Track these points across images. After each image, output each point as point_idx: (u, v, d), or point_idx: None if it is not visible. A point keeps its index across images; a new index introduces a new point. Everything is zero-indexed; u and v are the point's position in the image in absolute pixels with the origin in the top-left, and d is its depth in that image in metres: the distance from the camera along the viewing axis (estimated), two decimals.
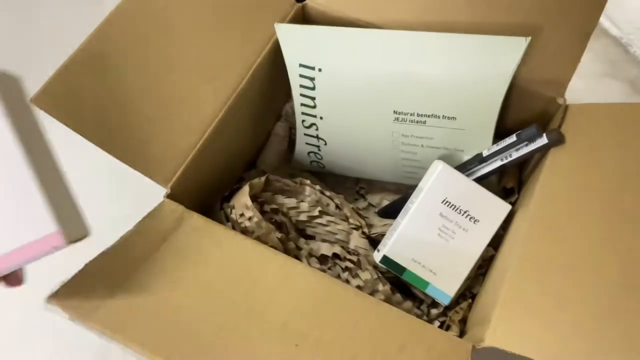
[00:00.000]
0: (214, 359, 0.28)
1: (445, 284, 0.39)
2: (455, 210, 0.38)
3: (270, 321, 0.30)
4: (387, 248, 0.39)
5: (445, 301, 0.39)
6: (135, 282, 0.31)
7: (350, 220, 0.42)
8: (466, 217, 0.38)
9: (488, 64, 0.38)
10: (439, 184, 0.38)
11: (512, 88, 0.38)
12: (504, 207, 0.38)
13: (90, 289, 0.30)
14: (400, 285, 0.42)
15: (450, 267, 0.38)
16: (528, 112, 0.41)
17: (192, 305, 0.30)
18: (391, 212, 0.46)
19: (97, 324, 0.29)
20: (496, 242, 0.42)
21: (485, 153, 0.40)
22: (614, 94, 0.62)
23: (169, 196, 0.36)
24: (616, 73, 0.63)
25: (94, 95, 0.35)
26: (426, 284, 0.39)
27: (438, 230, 0.39)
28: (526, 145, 0.38)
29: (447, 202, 0.38)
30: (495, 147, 0.40)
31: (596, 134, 0.36)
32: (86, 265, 0.31)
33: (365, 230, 0.42)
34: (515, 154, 0.39)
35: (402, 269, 0.39)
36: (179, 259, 0.32)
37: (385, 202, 0.48)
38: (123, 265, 0.31)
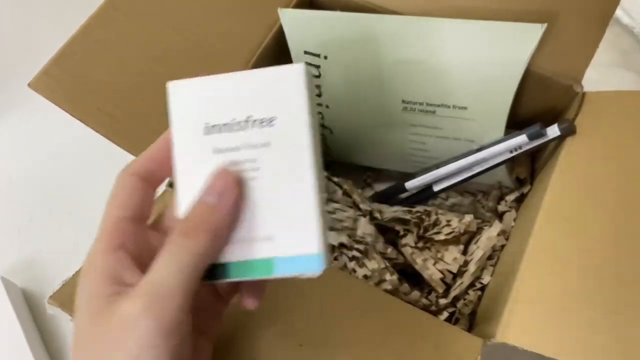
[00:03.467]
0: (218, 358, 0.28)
1: (296, 243, 0.22)
2: (229, 131, 0.22)
3: (274, 319, 0.29)
4: None
5: (318, 267, 0.21)
6: None
7: (361, 206, 0.41)
8: (252, 127, 0.22)
9: (502, 51, 0.36)
10: (183, 110, 0.23)
11: (527, 76, 0.37)
12: (298, 70, 0.23)
13: None
14: (408, 275, 0.41)
15: (287, 212, 0.22)
16: (543, 101, 0.40)
17: None
18: (383, 198, 0.46)
19: None
20: (507, 232, 0.41)
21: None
22: (625, 85, 0.60)
23: (171, 185, 0.35)
24: (627, 63, 0.61)
25: (93, 80, 0.34)
26: (269, 264, 0.22)
27: None
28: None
29: (210, 127, 0.22)
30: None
31: (614, 122, 0.35)
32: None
33: (377, 215, 0.41)
34: (526, 146, 0.38)
35: (222, 271, 0.22)
36: None
37: None
38: None
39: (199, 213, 0.21)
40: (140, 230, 0.22)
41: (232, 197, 0.21)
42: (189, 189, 0.22)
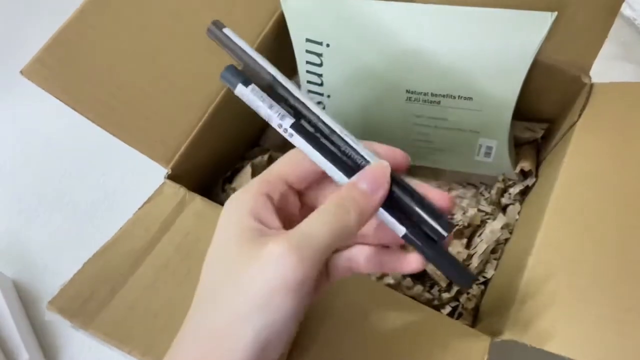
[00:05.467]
0: None
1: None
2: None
3: None
4: None
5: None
6: (137, 280, 0.29)
7: None
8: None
9: (510, 40, 0.35)
10: None
11: (534, 66, 0.36)
12: None
13: (91, 291, 0.28)
14: None
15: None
16: (550, 91, 0.39)
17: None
18: None
19: (99, 331, 0.27)
20: (511, 226, 0.41)
21: None
22: (626, 77, 0.59)
23: (170, 177, 0.34)
24: (629, 55, 0.61)
25: (88, 68, 0.33)
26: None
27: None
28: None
29: None
30: None
31: (623, 114, 0.34)
32: (84, 264, 0.29)
33: None
34: None
35: None
36: (182, 251, 0.30)
37: None
38: (124, 260, 0.30)
39: (352, 193, 0.23)
40: (286, 191, 0.25)
41: (383, 190, 0.23)
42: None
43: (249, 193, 0.24)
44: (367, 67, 0.40)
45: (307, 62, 0.42)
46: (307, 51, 0.41)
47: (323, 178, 0.26)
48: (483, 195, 0.45)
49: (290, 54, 0.42)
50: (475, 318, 0.38)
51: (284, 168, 0.25)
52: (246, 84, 0.25)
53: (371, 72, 0.40)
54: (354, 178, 0.24)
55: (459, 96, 0.38)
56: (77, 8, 0.33)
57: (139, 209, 0.32)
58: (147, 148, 0.34)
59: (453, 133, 0.41)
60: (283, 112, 0.25)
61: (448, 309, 0.39)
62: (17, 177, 0.54)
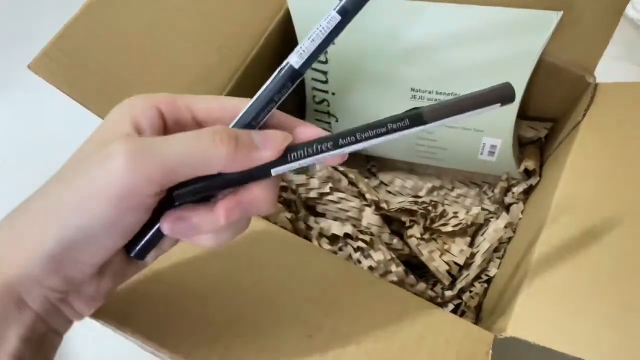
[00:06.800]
0: (224, 350, 0.27)
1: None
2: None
3: (282, 310, 0.29)
4: None
5: None
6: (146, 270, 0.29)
7: (367, 196, 0.40)
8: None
9: (515, 39, 0.36)
10: None
11: (538, 65, 0.36)
12: None
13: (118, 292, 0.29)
14: (413, 266, 0.41)
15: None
16: (554, 91, 0.39)
17: (201, 293, 0.29)
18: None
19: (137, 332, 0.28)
20: (514, 224, 0.41)
21: None
22: (629, 78, 0.59)
23: None
24: (632, 56, 0.61)
25: (95, 62, 0.33)
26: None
27: None
28: None
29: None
30: None
31: (627, 113, 0.34)
32: None
33: (384, 205, 0.40)
34: None
35: None
36: (186, 244, 0.30)
37: (398, 181, 0.46)
38: None
39: (244, 139, 0.20)
40: (186, 121, 0.22)
41: (271, 155, 0.21)
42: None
43: (145, 101, 0.22)
44: (372, 65, 0.40)
45: None
46: None
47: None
48: (486, 194, 0.45)
49: None
50: (478, 316, 0.38)
51: (200, 100, 0.22)
52: None
53: (376, 70, 0.40)
54: (252, 131, 0.21)
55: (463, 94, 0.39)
56: (85, 2, 0.33)
57: None
58: None
59: (457, 132, 0.41)
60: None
61: (451, 306, 0.39)
62: (21, 171, 0.54)
